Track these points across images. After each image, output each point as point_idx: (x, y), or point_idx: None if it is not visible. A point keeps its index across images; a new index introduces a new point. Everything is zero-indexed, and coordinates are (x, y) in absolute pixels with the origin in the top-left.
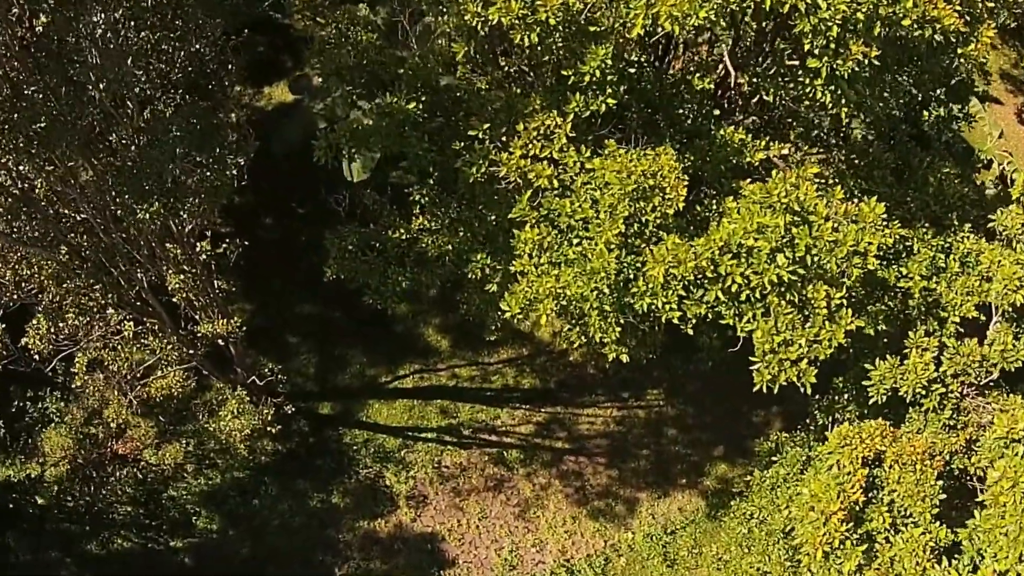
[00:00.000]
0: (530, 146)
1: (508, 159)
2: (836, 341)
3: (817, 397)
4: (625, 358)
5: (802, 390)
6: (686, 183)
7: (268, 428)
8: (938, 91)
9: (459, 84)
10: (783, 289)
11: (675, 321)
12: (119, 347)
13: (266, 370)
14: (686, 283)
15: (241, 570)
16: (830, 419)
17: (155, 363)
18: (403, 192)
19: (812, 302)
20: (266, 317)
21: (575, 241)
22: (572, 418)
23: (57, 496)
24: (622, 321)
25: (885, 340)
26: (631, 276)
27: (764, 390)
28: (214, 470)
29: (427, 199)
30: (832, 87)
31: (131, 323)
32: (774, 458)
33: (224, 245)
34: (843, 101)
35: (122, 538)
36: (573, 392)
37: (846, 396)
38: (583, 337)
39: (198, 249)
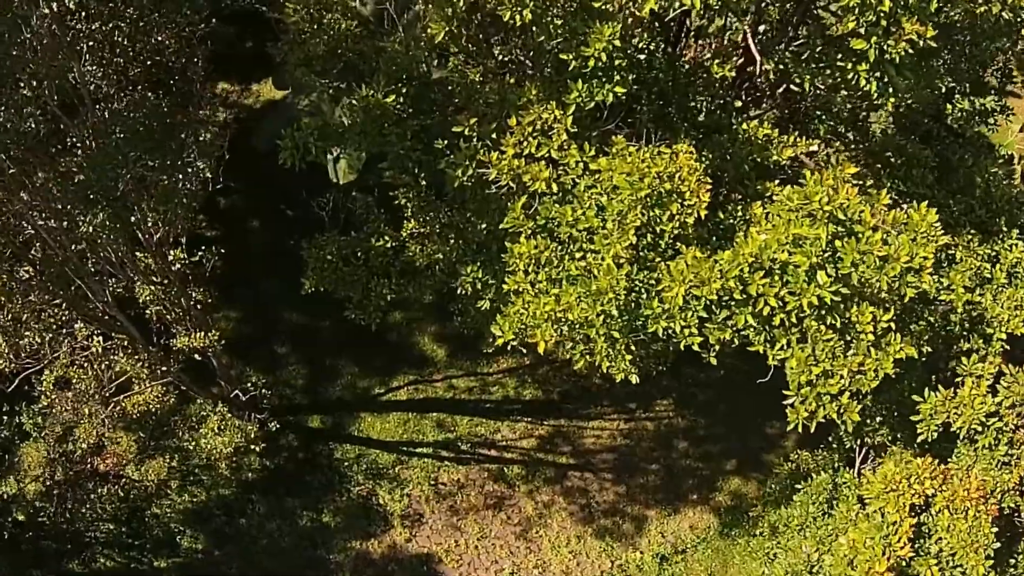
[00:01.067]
0: (525, 144)
1: (499, 159)
2: (884, 371)
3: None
4: (635, 379)
5: (842, 428)
6: (708, 187)
7: (252, 445)
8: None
9: (450, 77)
10: (823, 312)
11: (695, 348)
12: (86, 364)
13: (249, 384)
14: (709, 302)
15: None
16: (859, 442)
17: (128, 380)
18: (393, 195)
19: (856, 326)
20: (252, 326)
21: (578, 255)
22: (576, 431)
23: (35, 513)
24: (633, 348)
25: (923, 360)
26: (644, 296)
27: (800, 429)
28: (199, 487)
29: (413, 203)
30: (878, 73)
31: (100, 338)
32: (798, 485)
33: (200, 253)
34: (890, 90)
35: (104, 557)
36: (577, 404)
37: (878, 419)
38: (587, 357)
39: (171, 258)
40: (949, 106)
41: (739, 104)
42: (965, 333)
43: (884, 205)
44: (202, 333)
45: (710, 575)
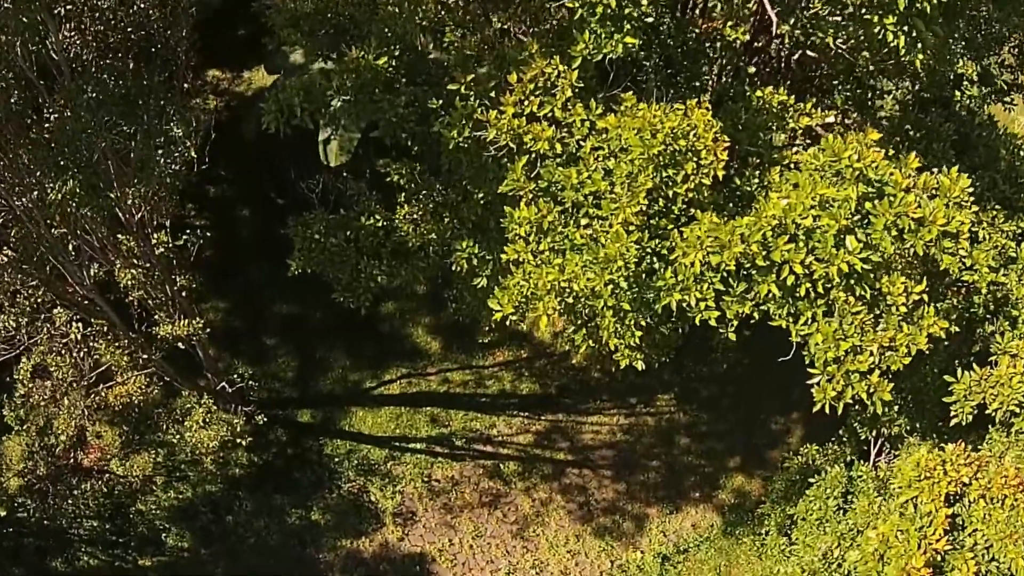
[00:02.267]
0: (526, 103)
1: (498, 119)
2: (917, 347)
3: (857, 408)
4: (640, 365)
5: (872, 409)
6: (727, 144)
7: (239, 440)
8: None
9: (446, 55)
10: (852, 281)
11: (712, 323)
12: (64, 352)
13: (236, 376)
14: (726, 274)
15: None
16: (873, 434)
17: (109, 370)
18: (386, 179)
19: (887, 298)
20: (240, 317)
21: (583, 222)
22: (575, 427)
23: (16, 509)
24: (643, 323)
25: (946, 343)
26: (655, 266)
27: (827, 410)
28: (185, 483)
29: (406, 179)
30: (906, 27)
31: (79, 325)
32: (810, 479)
33: (184, 237)
34: (919, 45)
35: (87, 555)
36: (576, 398)
37: (896, 407)
38: (591, 341)
39: (154, 241)
40: (958, 93)
41: (752, 71)
42: (989, 316)
43: (913, 169)
44: (186, 321)
45: (721, 571)
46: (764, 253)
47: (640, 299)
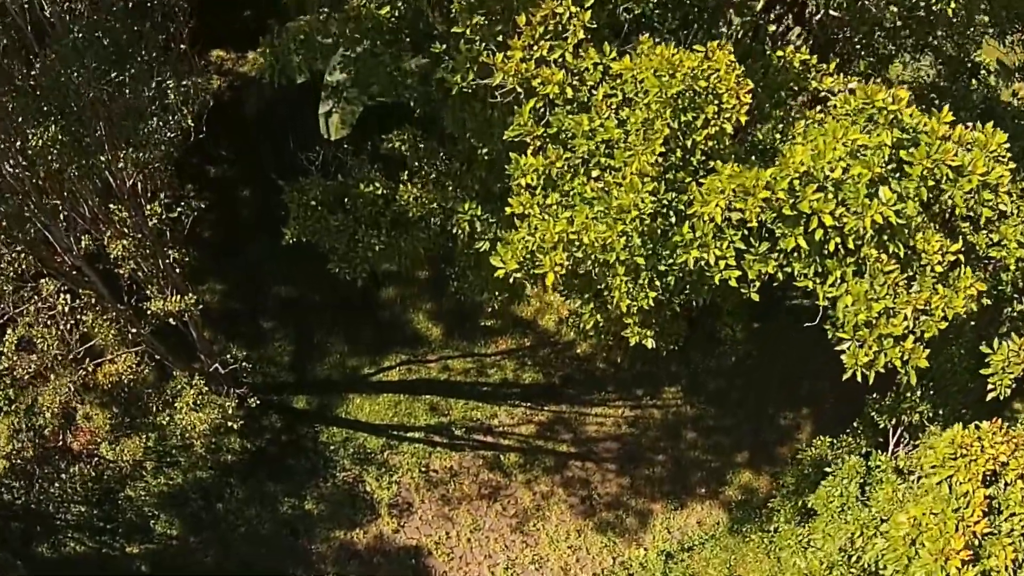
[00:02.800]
0: (535, 47)
1: (505, 62)
2: (953, 310)
3: (875, 396)
4: (650, 343)
5: (907, 380)
6: (750, 87)
7: (230, 423)
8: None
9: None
10: (885, 237)
11: (732, 283)
12: (51, 324)
13: (229, 357)
14: (746, 232)
15: None
16: (892, 422)
17: (97, 345)
18: (389, 152)
19: (921, 257)
20: (238, 298)
21: (595, 173)
22: (578, 418)
23: (2, 492)
24: (657, 284)
25: (972, 323)
26: (672, 221)
27: (859, 378)
28: (175, 469)
29: (408, 146)
30: None
31: (67, 297)
32: (827, 469)
33: (179, 209)
34: None
35: (74, 541)
36: (580, 389)
37: (919, 393)
38: (598, 315)
39: (147, 212)
40: (975, 81)
41: (772, 29)
42: (1017, 295)
43: (947, 123)
44: (178, 296)
45: (730, 569)
46: (791, 202)
47: (655, 256)
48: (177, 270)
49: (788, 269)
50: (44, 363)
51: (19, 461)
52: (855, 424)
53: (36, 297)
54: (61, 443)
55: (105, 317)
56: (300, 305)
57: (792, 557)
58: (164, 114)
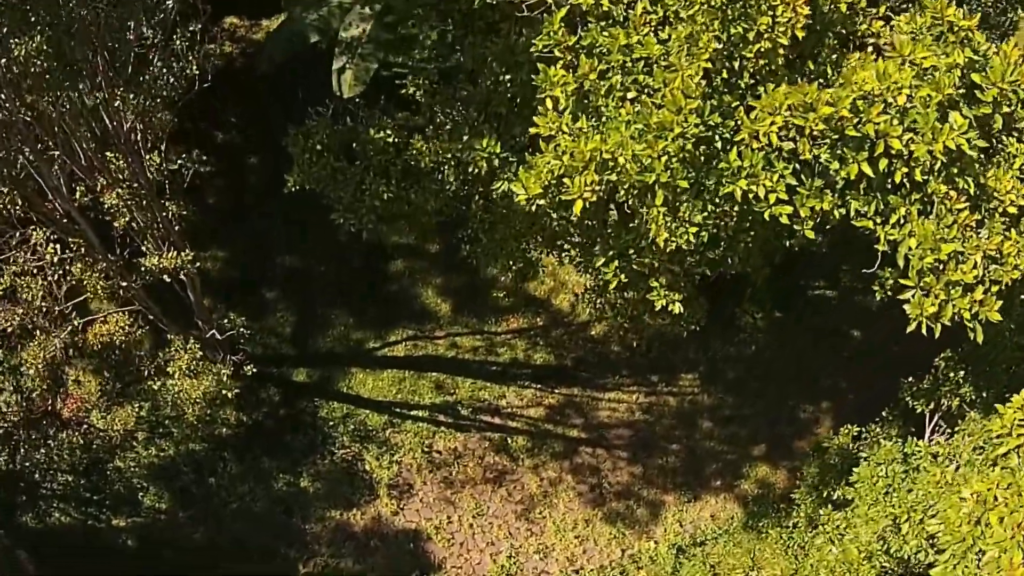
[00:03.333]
0: None
1: None
2: None
3: (910, 380)
4: (678, 308)
5: (972, 336)
6: None
7: (225, 392)
8: None
9: None
10: (955, 170)
11: (783, 220)
12: (38, 274)
13: (227, 322)
14: (797, 166)
15: (190, 559)
16: (929, 408)
17: (88, 302)
18: (403, 114)
19: (992, 196)
20: (240, 267)
21: (631, 94)
22: (591, 402)
23: None
24: (698, 218)
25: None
26: (719, 147)
27: (924, 331)
28: (168, 440)
29: (423, 90)
30: None
31: (56, 246)
32: (862, 454)
33: (180, 161)
34: None
35: (59, 511)
36: (593, 372)
37: (960, 374)
38: (622, 275)
39: (146, 161)
40: None
41: None
42: None
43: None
44: (175, 253)
45: (753, 556)
46: (855, 122)
47: (698, 185)
48: (176, 227)
49: (843, 210)
50: (29, 316)
51: (4, 424)
52: (884, 413)
53: (24, 245)
54: (50, 407)
55: (96, 269)
56: (305, 275)
57: (826, 545)
58: (168, 58)
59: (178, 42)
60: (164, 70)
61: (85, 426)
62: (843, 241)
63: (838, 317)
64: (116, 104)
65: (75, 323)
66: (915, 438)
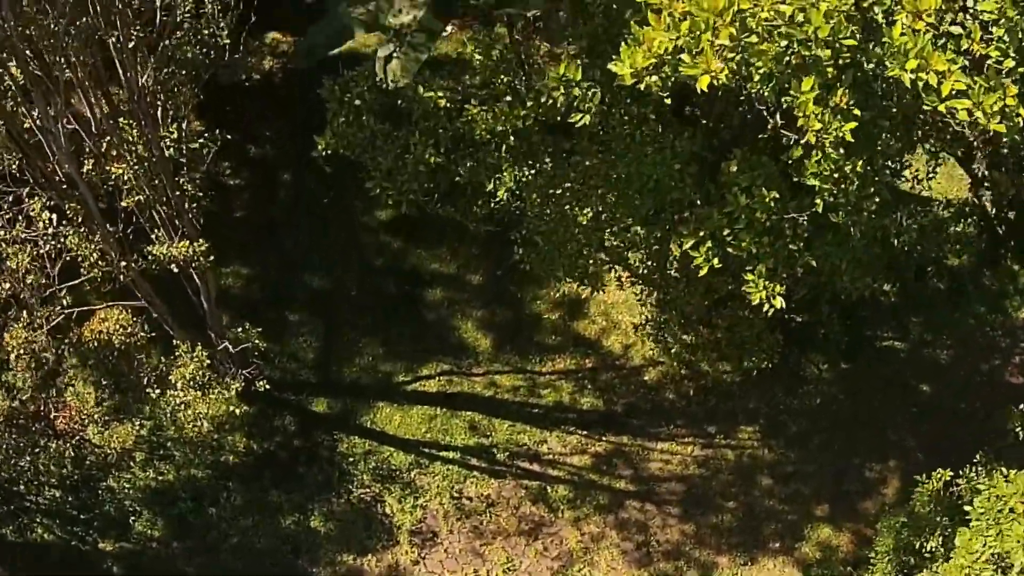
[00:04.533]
0: None
1: None
2: None
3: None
4: (780, 302)
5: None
6: None
7: (233, 409)
8: None
9: None
10: None
11: (962, 115)
12: (28, 244)
13: (240, 331)
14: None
15: None
16: None
17: (82, 289)
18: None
19: None
20: (264, 285)
21: None
22: (641, 452)
23: None
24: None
25: None
26: (880, 19)
27: None
28: (167, 463)
29: (480, 48)
30: None
31: (53, 216)
32: (971, 503)
33: (200, 141)
34: None
35: (43, 527)
36: (645, 420)
37: None
38: (717, 261)
39: (163, 132)
40: None
41: None
42: None
43: None
44: (186, 243)
45: None
46: None
47: (854, 68)
48: (189, 214)
49: None
50: (16, 290)
51: None
52: (977, 459)
53: (16, 206)
54: (42, 411)
55: (94, 243)
56: (333, 299)
57: None
58: (196, 22)
59: (209, 6)
60: (191, 35)
61: (79, 439)
62: (910, 292)
63: (907, 370)
64: (131, 43)
65: (64, 303)
66: None
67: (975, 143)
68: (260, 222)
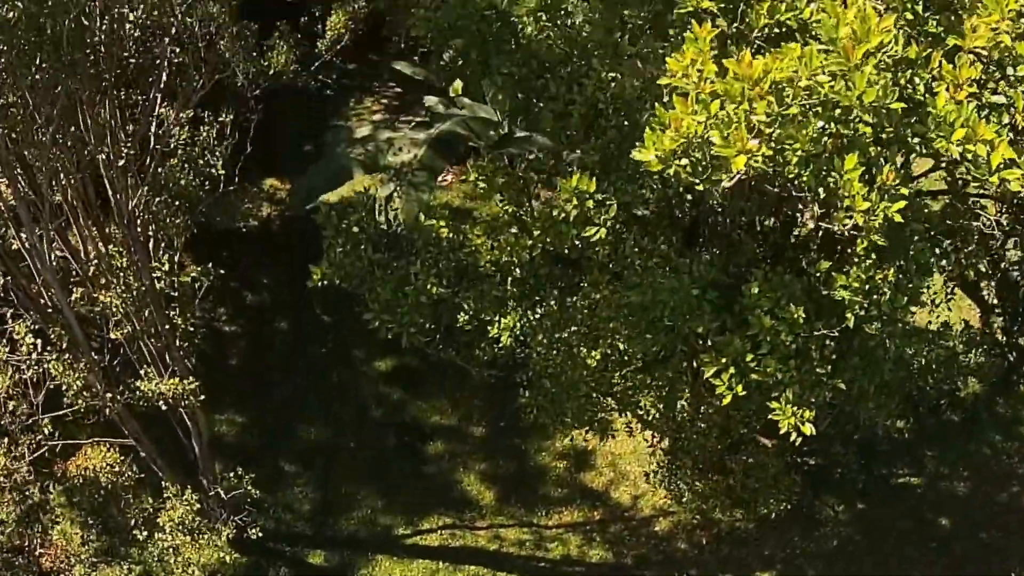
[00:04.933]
0: None
1: None
2: None
3: None
4: (809, 430)
5: None
6: None
7: (225, 557)
8: None
9: None
10: None
11: (1015, 186)
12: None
13: (232, 477)
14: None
15: None
16: None
17: (65, 422)
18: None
19: None
20: (259, 435)
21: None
22: None
23: None
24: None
25: None
26: (922, 91)
27: None
28: None
29: (485, 174)
30: None
31: (37, 341)
32: None
33: (192, 275)
34: None
35: None
36: (657, 570)
37: None
38: (737, 390)
39: (153, 264)
40: None
41: None
42: None
43: None
44: (177, 380)
45: None
46: None
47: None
48: (180, 351)
49: None
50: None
51: None
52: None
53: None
54: (26, 545)
55: (78, 372)
56: (331, 450)
57: None
58: (190, 149)
59: (204, 132)
60: (185, 162)
61: None
62: (924, 426)
63: (923, 505)
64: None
65: (47, 431)
66: None
67: (993, 256)
68: (256, 369)
